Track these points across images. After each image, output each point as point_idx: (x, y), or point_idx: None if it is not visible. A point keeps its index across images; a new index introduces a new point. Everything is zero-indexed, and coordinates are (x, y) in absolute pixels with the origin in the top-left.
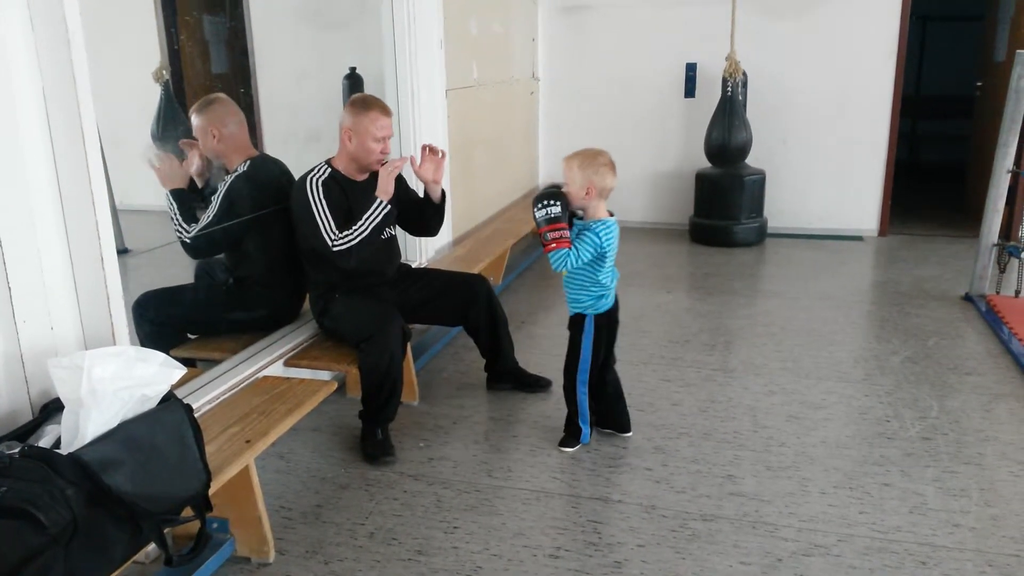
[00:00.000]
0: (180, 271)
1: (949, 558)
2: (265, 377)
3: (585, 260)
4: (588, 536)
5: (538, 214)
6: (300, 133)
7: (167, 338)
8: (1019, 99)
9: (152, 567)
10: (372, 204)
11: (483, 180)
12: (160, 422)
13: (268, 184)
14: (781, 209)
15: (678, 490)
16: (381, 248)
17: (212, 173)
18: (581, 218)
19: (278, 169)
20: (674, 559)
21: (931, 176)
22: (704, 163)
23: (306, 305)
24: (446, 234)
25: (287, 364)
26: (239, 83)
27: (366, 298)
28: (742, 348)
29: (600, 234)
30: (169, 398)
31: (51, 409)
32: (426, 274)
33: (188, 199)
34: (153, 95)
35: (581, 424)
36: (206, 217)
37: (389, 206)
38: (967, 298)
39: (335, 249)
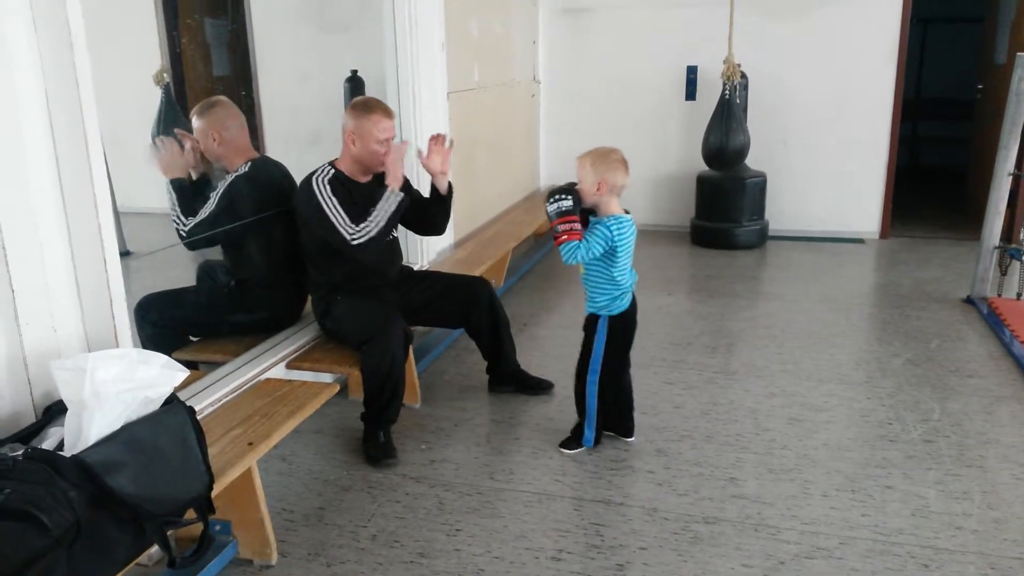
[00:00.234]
0: (182, 273)
1: (951, 561)
2: (267, 379)
3: (596, 254)
4: (590, 539)
5: (550, 208)
6: (301, 135)
7: (169, 340)
8: (1020, 102)
9: (155, 569)
10: (383, 195)
11: (484, 182)
12: (163, 424)
13: (269, 185)
14: (782, 211)
15: (680, 493)
16: (384, 249)
17: (214, 174)
18: (595, 214)
19: (279, 171)
20: (676, 562)
21: (932, 178)
22: (705, 166)
23: (308, 307)
24: (447, 236)
25: (289, 366)
26: (240, 85)
27: (368, 300)
28: (743, 351)
29: (611, 228)
30: (172, 400)
31: (54, 411)
32: (428, 276)
33: (188, 191)
34: (154, 97)
35: (586, 428)
36: (203, 212)
37: (402, 194)
38: (968, 300)
39: (354, 243)
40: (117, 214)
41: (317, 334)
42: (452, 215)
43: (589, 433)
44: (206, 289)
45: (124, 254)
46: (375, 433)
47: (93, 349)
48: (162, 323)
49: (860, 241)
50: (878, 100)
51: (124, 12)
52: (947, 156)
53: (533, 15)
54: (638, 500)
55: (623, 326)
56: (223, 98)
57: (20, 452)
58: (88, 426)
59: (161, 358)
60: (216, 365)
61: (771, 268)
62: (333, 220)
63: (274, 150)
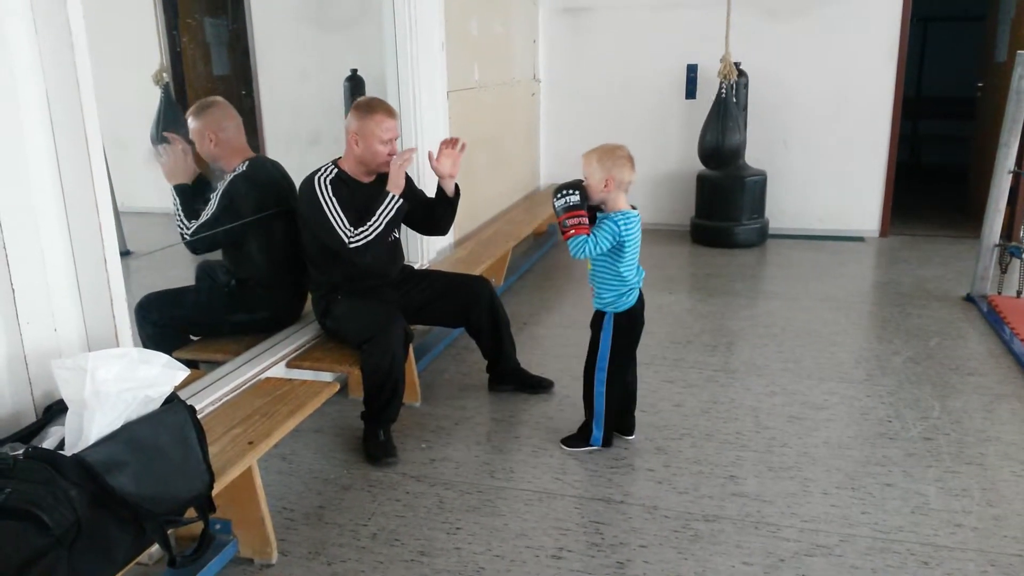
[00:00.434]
0: (182, 273)
1: (951, 558)
2: (267, 378)
3: (603, 248)
4: (591, 537)
5: (557, 203)
6: (302, 135)
7: (169, 340)
8: (1020, 100)
9: (155, 568)
10: (384, 200)
11: (484, 181)
12: (163, 423)
13: (267, 184)
14: (782, 210)
15: (680, 491)
16: (385, 250)
17: (212, 176)
18: (601, 211)
19: (276, 170)
20: (676, 559)
21: (932, 177)
22: None
23: (308, 306)
24: (448, 235)
25: (289, 365)
26: (241, 85)
27: (368, 299)
28: (744, 349)
29: (618, 222)
30: (172, 400)
31: (55, 411)
32: (428, 275)
33: (191, 195)
34: (154, 97)
35: (594, 427)
36: (204, 215)
37: (402, 200)
38: (968, 298)
39: (351, 246)
40: (117, 213)
41: (317, 333)
42: None
43: (598, 432)
44: (206, 288)
45: (124, 253)
46: (375, 432)
47: (94, 348)
48: (162, 322)
49: (860, 239)
50: (878, 98)
51: (124, 12)
52: (947, 154)
53: (533, 14)
54: (638, 498)
55: (629, 323)
56: (219, 99)
57: (21, 451)
58: (89, 425)
59: (162, 357)
60: (216, 364)
61: (771, 267)
62: (332, 222)
63: (274, 150)
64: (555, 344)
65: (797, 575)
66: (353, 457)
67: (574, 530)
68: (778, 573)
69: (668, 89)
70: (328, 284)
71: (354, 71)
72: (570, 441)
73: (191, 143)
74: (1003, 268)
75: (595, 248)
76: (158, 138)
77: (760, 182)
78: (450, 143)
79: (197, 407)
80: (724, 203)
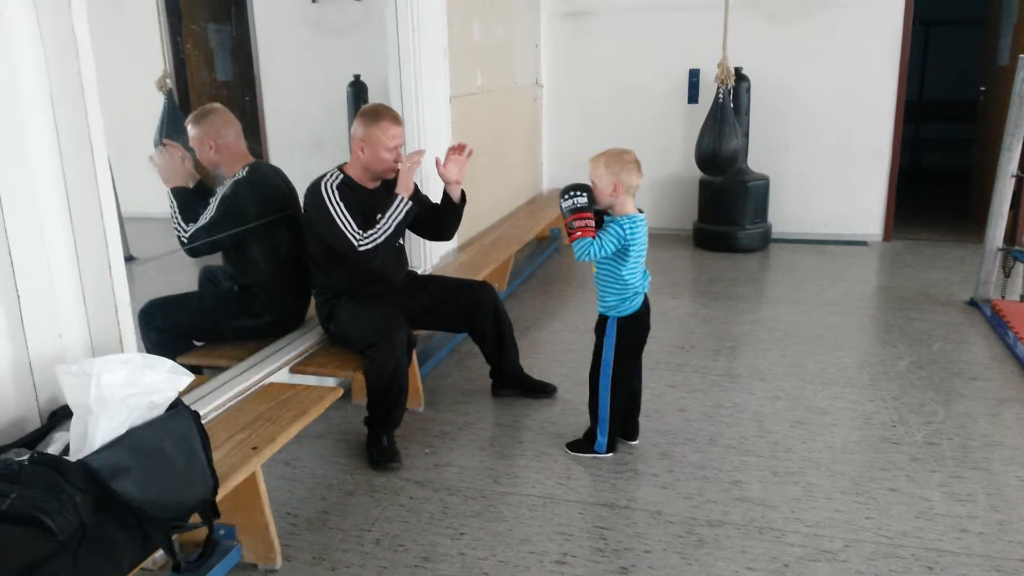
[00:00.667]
0: (185, 278)
1: (956, 563)
2: (271, 384)
3: (609, 252)
4: (594, 542)
5: (564, 204)
6: (305, 140)
7: (173, 345)
8: (1022, 103)
9: (160, 573)
10: (392, 203)
11: (487, 186)
12: (168, 429)
13: (268, 189)
14: (785, 214)
15: (684, 496)
16: (390, 256)
17: (214, 181)
18: (608, 215)
19: (277, 175)
20: (681, 565)
21: (935, 181)
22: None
23: (311, 311)
24: (451, 240)
25: (293, 371)
26: (244, 91)
27: (372, 304)
28: (747, 354)
29: (624, 226)
30: (177, 405)
31: (59, 416)
32: (431, 280)
33: (189, 199)
34: (158, 103)
35: (599, 433)
36: (203, 218)
37: (411, 203)
38: (972, 303)
39: (361, 249)
40: (121, 219)
41: (320, 338)
42: None
43: (602, 439)
44: (210, 294)
45: (128, 259)
46: (379, 437)
47: (98, 354)
48: (166, 328)
49: (863, 244)
50: (881, 102)
51: (128, 18)
52: (950, 158)
53: (535, 19)
54: (642, 503)
55: (633, 328)
56: (218, 105)
57: (26, 457)
58: (93, 431)
59: (166, 363)
60: (220, 369)
61: (774, 271)
62: (341, 226)
63: (277, 155)
64: (558, 349)
65: None
66: (356, 462)
67: (578, 535)
68: None
69: (670, 94)
70: (332, 289)
71: (357, 77)
72: (575, 446)
73: (191, 150)
74: (1007, 272)
75: (599, 251)
76: (161, 144)
77: (763, 186)
78: (457, 149)
79: (201, 412)
80: (727, 207)
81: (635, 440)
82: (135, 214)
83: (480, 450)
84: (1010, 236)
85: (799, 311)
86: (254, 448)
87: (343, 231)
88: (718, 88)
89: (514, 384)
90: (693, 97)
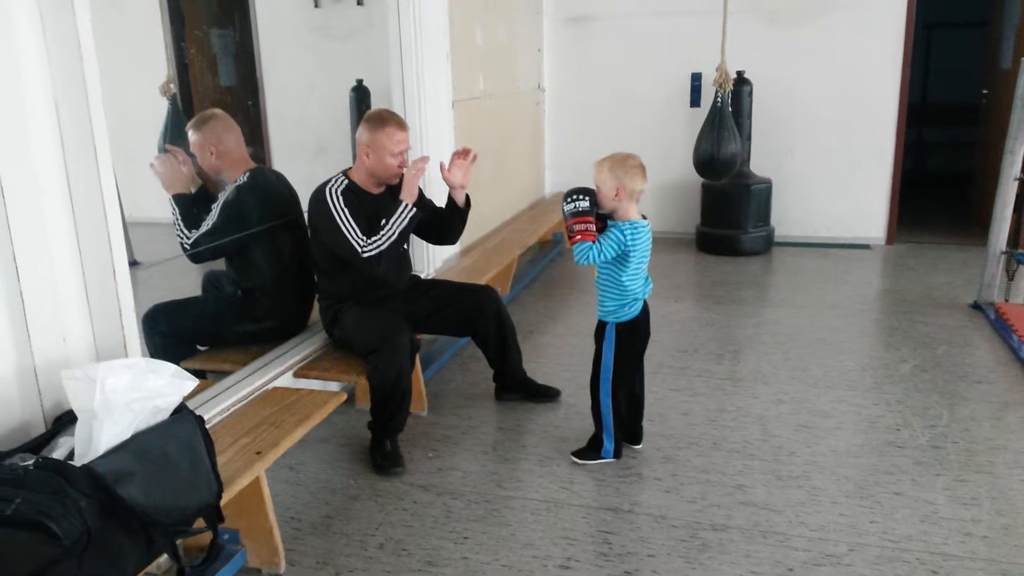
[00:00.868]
0: (189, 283)
1: (961, 567)
2: (275, 388)
3: (608, 257)
4: (598, 546)
5: (566, 207)
6: (307, 145)
7: (177, 350)
8: None
9: None
10: (396, 209)
11: (489, 190)
12: (172, 434)
13: (269, 194)
14: (788, 218)
15: (688, 500)
16: (394, 262)
17: (216, 187)
18: (612, 219)
19: (278, 180)
20: (685, 569)
21: (938, 184)
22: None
23: (314, 315)
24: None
25: (296, 375)
26: (247, 96)
27: (375, 309)
28: (751, 357)
29: (624, 231)
30: (181, 409)
31: (64, 421)
32: (434, 285)
33: (190, 205)
34: (162, 108)
35: (604, 438)
36: (205, 224)
37: (415, 209)
38: (976, 306)
39: (365, 255)
40: (125, 224)
41: (324, 343)
42: None
43: (609, 444)
44: (213, 298)
45: (132, 264)
46: (382, 441)
47: (102, 359)
48: (170, 333)
49: (866, 247)
50: (883, 105)
51: (132, 24)
52: (953, 161)
53: (537, 24)
54: (646, 507)
55: (632, 334)
56: (218, 111)
57: (31, 462)
58: (98, 436)
59: (170, 367)
60: (224, 374)
61: (777, 274)
62: (345, 231)
63: (280, 160)
64: (561, 353)
65: None
66: (360, 467)
67: (582, 540)
68: None
69: (673, 97)
70: (336, 294)
71: (359, 81)
72: (581, 453)
73: (192, 156)
74: (1010, 275)
75: (599, 256)
76: (163, 150)
77: (765, 190)
78: (462, 154)
79: (205, 417)
80: (729, 211)
81: (639, 444)
82: (139, 219)
83: (483, 454)
84: (1013, 239)
85: (802, 314)
86: (258, 452)
87: (347, 237)
88: (716, 92)
89: (517, 388)
90: (695, 101)
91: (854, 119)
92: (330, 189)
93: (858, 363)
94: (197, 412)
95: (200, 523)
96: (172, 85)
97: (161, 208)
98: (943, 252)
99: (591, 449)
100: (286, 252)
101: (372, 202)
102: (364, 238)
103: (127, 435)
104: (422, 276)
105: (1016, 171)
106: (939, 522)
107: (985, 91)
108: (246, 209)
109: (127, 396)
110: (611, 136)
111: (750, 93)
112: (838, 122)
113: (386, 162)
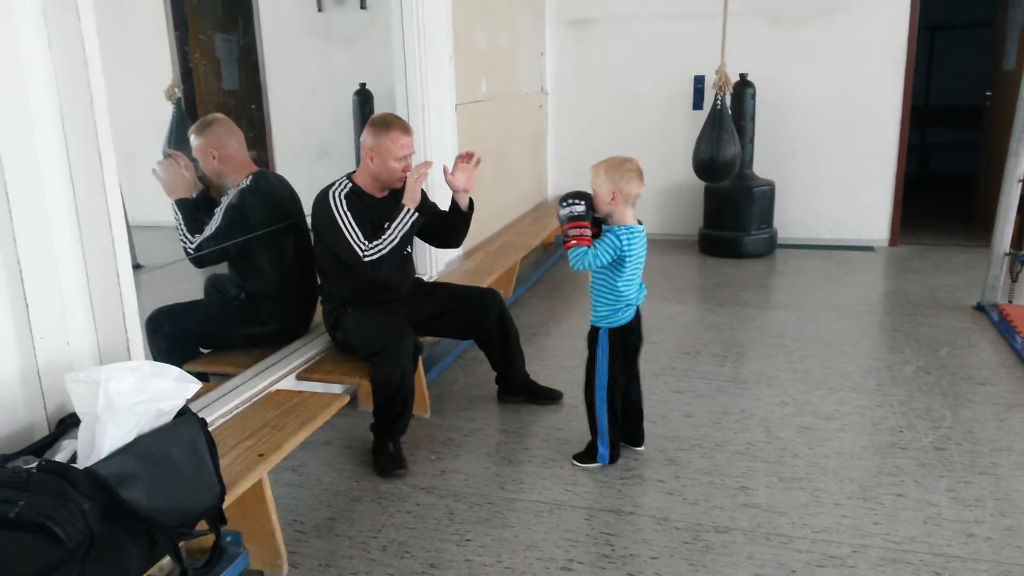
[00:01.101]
0: (192, 286)
1: (964, 569)
2: (277, 391)
3: (603, 262)
4: (601, 548)
5: (562, 212)
6: (311, 149)
7: (180, 353)
8: None
9: None
10: (399, 214)
11: (492, 193)
12: (175, 436)
13: (272, 198)
14: (791, 220)
15: (691, 502)
16: (397, 265)
17: (219, 191)
18: (607, 223)
19: (281, 184)
20: (688, 571)
21: (941, 186)
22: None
23: (317, 318)
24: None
25: (299, 377)
26: (250, 100)
27: (378, 312)
28: (754, 359)
29: (620, 236)
30: (184, 412)
31: (67, 424)
32: (437, 288)
33: (193, 209)
34: (166, 112)
35: (599, 445)
36: (208, 228)
37: (417, 214)
38: (979, 308)
39: (366, 259)
40: (129, 228)
41: (327, 345)
42: None
43: (603, 450)
44: (216, 302)
45: (136, 267)
46: (385, 444)
47: (106, 362)
48: (173, 336)
49: (870, 249)
50: (886, 107)
51: (136, 28)
52: (956, 163)
53: (540, 27)
54: (648, 509)
55: (624, 339)
56: (220, 116)
57: (34, 465)
58: (101, 438)
59: (173, 370)
60: (227, 377)
61: (780, 276)
62: (347, 236)
63: (283, 163)
64: (564, 355)
65: None
66: (363, 469)
67: (584, 542)
68: None
69: (675, 100)
70: (339, 297)
71: (363, 85)
72: (580, 457)
73: (195, 161)
74: (1013, 277)
75: (594, 261)
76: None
77: (768, 192)
78: (465, 157)
79: (208, 420)
80: (732, 213)
81: (641, 446)
82: (143, 222)
83: (486, 456)
84: (1017, 241)
85: (805, 316)
86: (261, 455)
87: (349, 241)
88: (716, 95)
89: (520, 390)
90: (698, 103)
91: (857, 121)
92: (334, 193)
93: (861, 365)
94: (200, 415)
95: (203, 525)
96: (177, 89)
97: (164, 212)
98: (947, 254)
99: (588, 454)
100: (289, 255)
101: (375, 206)
102: (366, 242)
103: (130, 438)
104: (425, 279)
105: (1020, 173)
106: (942, 524)
107: (988, 93)
108: (249, 213)
109: (130, 399)
110: (614, 139)
111: (753, 95)
112: (841, 124)
113: (390, 166)
